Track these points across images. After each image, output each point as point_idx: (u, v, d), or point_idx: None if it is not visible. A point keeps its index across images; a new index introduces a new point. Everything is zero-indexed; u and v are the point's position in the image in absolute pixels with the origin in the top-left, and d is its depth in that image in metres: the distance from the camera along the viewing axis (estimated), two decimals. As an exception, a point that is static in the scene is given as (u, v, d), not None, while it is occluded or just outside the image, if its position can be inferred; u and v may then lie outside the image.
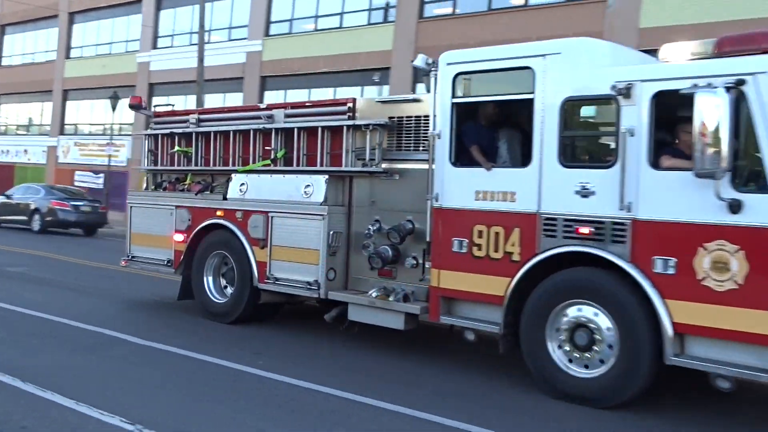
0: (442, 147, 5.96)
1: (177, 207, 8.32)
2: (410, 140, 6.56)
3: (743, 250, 4.35)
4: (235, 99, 25.00)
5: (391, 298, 6.34)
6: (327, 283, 6.86)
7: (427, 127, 6.32)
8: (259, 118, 7.77)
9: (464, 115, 5.96)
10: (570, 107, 5.18)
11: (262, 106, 8.14)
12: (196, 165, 8.46)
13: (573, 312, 5.16)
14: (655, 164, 4.81)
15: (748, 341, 4.39)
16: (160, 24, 28.83)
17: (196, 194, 8.16)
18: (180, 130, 8.59)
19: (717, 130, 4.26)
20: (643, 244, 4.78)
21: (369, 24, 22.33)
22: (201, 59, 20.99)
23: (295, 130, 7.31)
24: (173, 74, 26.73)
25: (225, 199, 7.86)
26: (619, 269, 4.87)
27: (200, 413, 4.65)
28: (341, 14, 22.95)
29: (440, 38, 19.98)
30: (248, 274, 7.53)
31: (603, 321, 5.00)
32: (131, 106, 9.22)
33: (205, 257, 8.08)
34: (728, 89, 4.30)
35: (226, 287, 8.02)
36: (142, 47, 29.11)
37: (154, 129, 9.05)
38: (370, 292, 6.53)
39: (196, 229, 8.09)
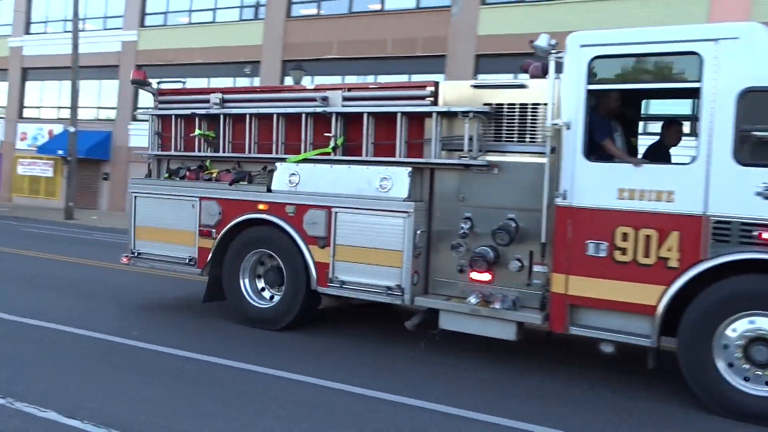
0: (573, 139, 5.29)
1: (202, 199, 7.16)
2: (512, 130, 5.83)
3: None
4: (110, 86, 26.44)
5: (497, 306, 5.64)
6: (412, 288, 6.04)
7: (535, 115, 5.65)
8: (311, 100, 6.74)
9: (601, 103, 5.30)
10: (750, 99, 4.65)
11: (308, 86, 7.05)
12: (223, 151, 7.30)
13: (743, 325, 4.69)
14: None
15: None
16: (33, 9, 29.29)
17: (230, 185, 7.01)
18: (203, 111, 7.38)
19: None
20: None
21: (240, 20, 23.99)
22: (75, 46, 21.58)
23: (365, 115, 6.36)
24: (47, 60, 27.57)
25: (269, 191, 6.80)
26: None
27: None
28: (214, 9, 24.47)
29: (307, 36, 22.30)
30: (303, 276, 6.58)
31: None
32: (134, 82, 7.84)
33: (242, 256, 7.02)
34: None
35: (263, 290, 7.03)
36: (14, 32, 29.48)
37: (164, 109, 7.76)
38: (468, 299, 5.79)
39: (230, 225, 6.98)
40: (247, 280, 7.06)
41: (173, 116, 7.63)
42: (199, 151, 7.50)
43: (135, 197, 7.72)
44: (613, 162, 5.27)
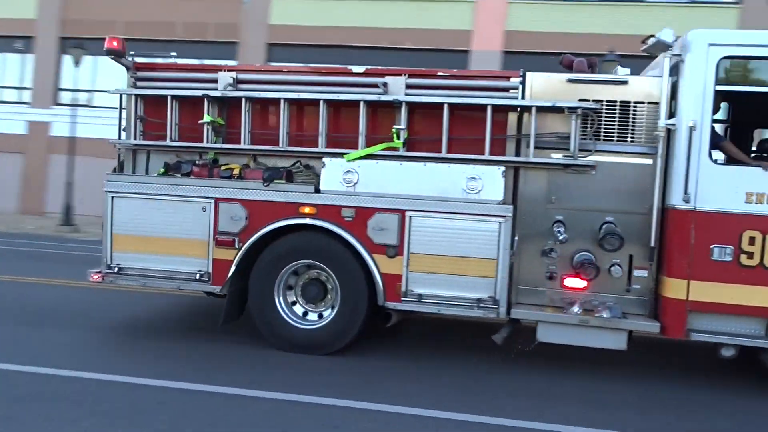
0: (697, 141, 5.15)
1: (219, 200, 5.90)
2: (611, 129, 5.55)
3: None
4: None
5: (605, 314, 5.36)
6: (508, 300, 5.53)
7: (638, 114, 5.45)
8: (368, 86, 5.84)
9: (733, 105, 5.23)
10: None
11: (356, 69, 6.08)
12: (242, 143, 6.07)
13: None
14: None
15: None
16: None
17: (265, 184, 5.82)
18: (217, 93, 6.04)
19: None
20: None
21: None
22: None
23: (445, 106, 5.63)
24: None
25: (318, 191, 5.79)
26: None
27: None
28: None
29: (87, 13, 20.91)
30: (364, 290, 5.71)
31: None
32: (109, 52, 6.17)
33: (278, 270, 5.90)
34: None
35: (301, 309, 6.00)
36: None
37: (151, 88, 6.25)
38: (571, 309, 5.44)
39: (263, 232, 5.83)
40: (282, 299, 5.97)
41: (169, 97, 6.14)
42: (207, 141, 6.13)
43: (112, 198, 6.15)
44: (740, 165, 5.21)
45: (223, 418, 4.29)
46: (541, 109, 5.52)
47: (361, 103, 5.78)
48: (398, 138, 5.71)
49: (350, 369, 5.50)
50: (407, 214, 5.58)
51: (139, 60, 6.43)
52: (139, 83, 6.35)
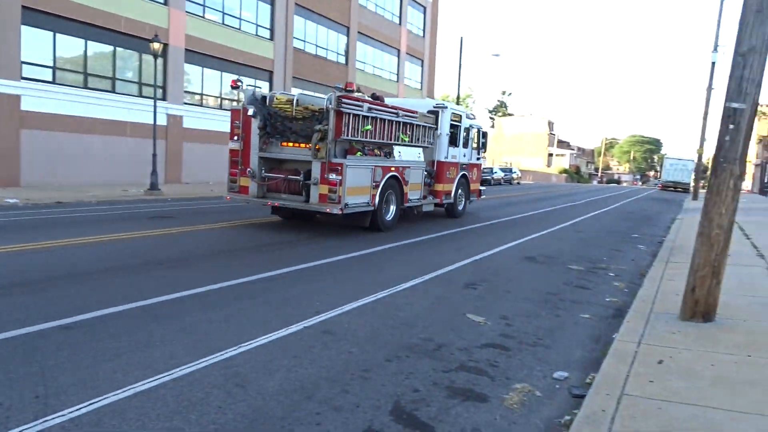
0: (445, 140, 15.91)
1: (374, 167, 12.36)
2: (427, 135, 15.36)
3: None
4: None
5: (429, 199, 15.58)
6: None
7: (431, 129, 15.69)
8: (412, 113, 13.50)
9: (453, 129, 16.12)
10: None
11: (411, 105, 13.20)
12: (381, 139, 12.35)
13: None
14: None
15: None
16: None
17: (384, 158, 12.65)
18: (386, 116, 12.52)
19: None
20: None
21: None
22: None
23: (418, 126, 14.08)
24: None
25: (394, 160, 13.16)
26: None
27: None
28: None
29: None
30: (400, 200, 13.74)
31: None
32: (233, 87, 11.85)
33: (384, 194, 12.91)
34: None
35: (388, 210, 13.21)
36: None
37: (346, 108, 11.22)
38: (428, 199, 15.35)
39: (383, 180, 12.77)
40: (386, 206, 12.83)
41: (351, 114, 11.36)
42: (366, 137, 11.90)
43: (347, 167, 11.33)
44: (452, 147, 16.22)
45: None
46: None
47: (395, 123, 13.15)
48: (405, 137, 13.52)
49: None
50: (407, 168, 13.64)
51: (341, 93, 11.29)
52: (342, 105, 11.12)
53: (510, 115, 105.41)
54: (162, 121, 25.11)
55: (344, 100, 11.15)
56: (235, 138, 12.29)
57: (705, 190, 7.06)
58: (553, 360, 5.23)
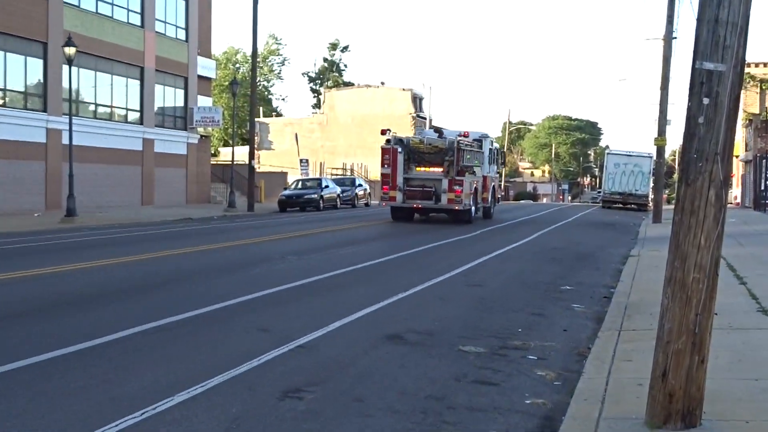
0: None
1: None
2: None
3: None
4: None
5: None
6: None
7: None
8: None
9: None
10: None
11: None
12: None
13: None
14: None
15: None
16: None
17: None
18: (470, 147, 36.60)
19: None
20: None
21: None
22: None
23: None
24: None
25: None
26: None
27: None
28: None
29: None
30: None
31: None
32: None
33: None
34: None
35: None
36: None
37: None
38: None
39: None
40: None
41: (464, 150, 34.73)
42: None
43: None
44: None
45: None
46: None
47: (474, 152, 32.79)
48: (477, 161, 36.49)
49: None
50: (478, 181, 36.03)
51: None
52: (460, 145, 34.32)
53: (348, 84, 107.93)
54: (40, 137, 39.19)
55: (461, 141, 34.32)
56: (385, 166, 34.61)
57: (672, 206, 7.51)
58: None
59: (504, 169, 39.43)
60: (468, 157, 34.75)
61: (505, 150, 41.75)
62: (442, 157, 34.16)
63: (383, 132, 35.29)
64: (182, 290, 14.83)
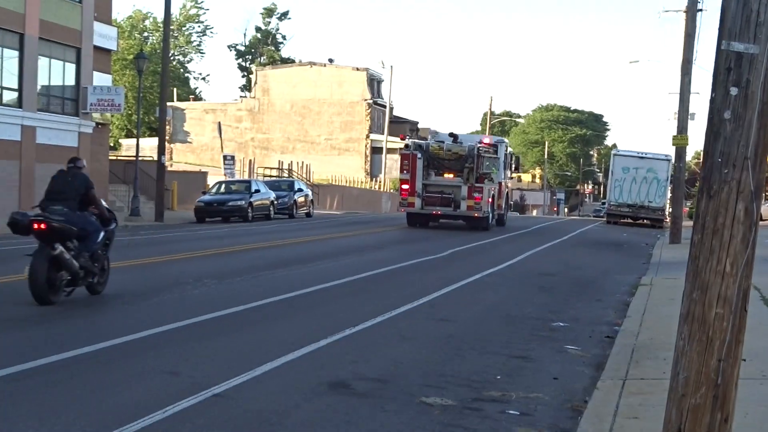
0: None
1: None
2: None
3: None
4: None
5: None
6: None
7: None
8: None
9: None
10: None
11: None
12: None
13: None
14: None
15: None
16: None
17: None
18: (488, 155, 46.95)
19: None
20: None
21: None
22: None
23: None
24: None
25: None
26: None
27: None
28: None
29: None
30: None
31: None
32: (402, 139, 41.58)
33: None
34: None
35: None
36: None
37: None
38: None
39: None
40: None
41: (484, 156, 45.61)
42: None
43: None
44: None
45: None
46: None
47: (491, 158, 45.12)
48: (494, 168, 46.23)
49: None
50: (494, 188, 46.07)
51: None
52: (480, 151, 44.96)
53: (287, 62, 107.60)
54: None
55: (481, 147, 44.48)
56: (404, 171, 44.99)
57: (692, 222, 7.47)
58: None
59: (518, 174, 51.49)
60: (487, 164, 43.87)
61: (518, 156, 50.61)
62: (462, 163, 43.77)
63: (402, 137, 49.51)
64: (58, 326, 14.57)
